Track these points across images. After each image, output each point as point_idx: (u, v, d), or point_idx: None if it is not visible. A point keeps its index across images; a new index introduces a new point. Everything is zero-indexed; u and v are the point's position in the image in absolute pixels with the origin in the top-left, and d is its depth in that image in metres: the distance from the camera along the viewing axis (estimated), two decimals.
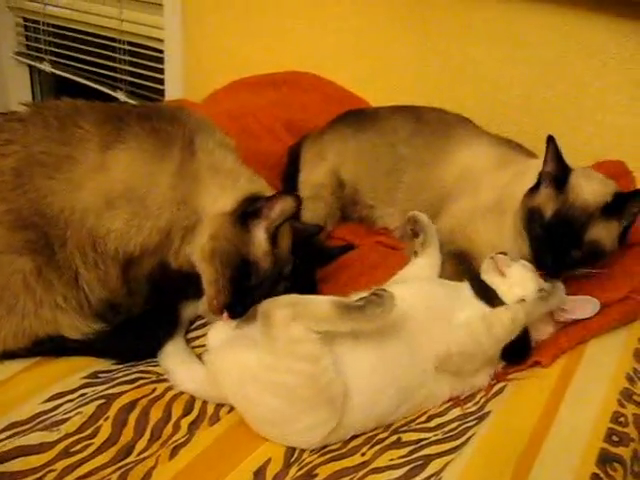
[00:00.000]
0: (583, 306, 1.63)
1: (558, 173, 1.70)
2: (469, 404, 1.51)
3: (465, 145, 2.01)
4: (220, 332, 1.51)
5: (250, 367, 1.34)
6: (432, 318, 1.48)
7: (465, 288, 1.59)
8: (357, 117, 2.25)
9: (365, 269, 1.89)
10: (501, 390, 1.54)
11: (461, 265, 1.79)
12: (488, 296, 1.56)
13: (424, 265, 1.70)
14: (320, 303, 1.29)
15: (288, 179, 2.23)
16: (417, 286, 1.58)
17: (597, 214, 1.67)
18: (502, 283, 1.58)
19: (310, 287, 1.71)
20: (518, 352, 1.57)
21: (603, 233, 1.68)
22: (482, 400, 1.52)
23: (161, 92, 3.29)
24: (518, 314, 1.48)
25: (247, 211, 1.53)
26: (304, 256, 1.69)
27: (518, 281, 1.58)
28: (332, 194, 2.12)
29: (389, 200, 2.07)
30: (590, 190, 1.70)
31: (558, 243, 1.67)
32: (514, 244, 1.77)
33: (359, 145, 2.15)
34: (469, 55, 2.51)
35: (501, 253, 1.63)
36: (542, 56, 2.39)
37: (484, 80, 2.50)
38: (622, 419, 1.46)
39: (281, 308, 1.29)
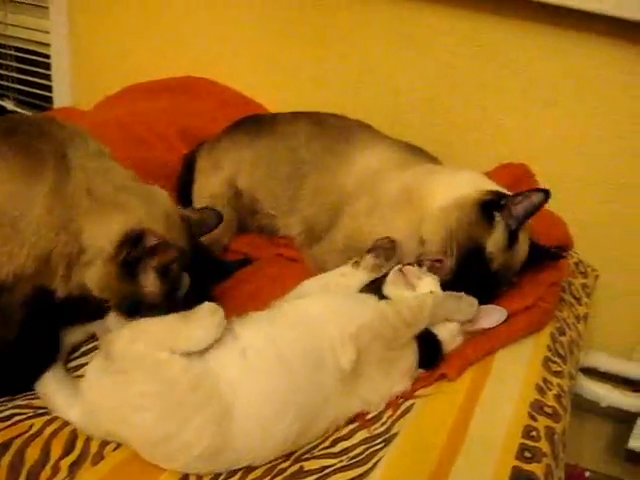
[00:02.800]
0: (489, 315, 1.58)
1: (518, 227, 1.64)
2: (376, 424, 1.42)
3: (365, 149, 1.94)
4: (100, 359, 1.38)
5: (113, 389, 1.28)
6: (337, 327, 1.40)
7: (371, 298, 1.53)
8: (254, 123, 2.15)
9: (265, 283, 1.79)
10: (409, 409, 1.45)
11: None
12: None
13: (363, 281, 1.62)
14: (159, 318, 1.32)
15: (183, 190, 2.10)
16: (324, 300, 1.52)
17: (517, 272, 1.70)
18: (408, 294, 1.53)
19: None
20: (429, 357, 1.51)
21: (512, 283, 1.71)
22: (389, 420, 1.43)
23: (50, 100, 3.11)
24: (426, 300, 1.47)
25: (128, 260, 1.40)
26: (199, 272, 1.58)
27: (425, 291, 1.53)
28: (228, 204, 2.00)
29: (290, 208, 1.98)
30: (524, 250, 1.69)
31: (485, 288, 1.61)
32: (413, 240, 1.70)
33: (256, 152, 2.05)
34: (369, 59, 2.46)
35: (409, 264, 1.58)
36: (444, 59, 2.37)
37: (385, 84, 2.45)
38: (534, 433, 1.40)
39: (120, 335, 1.30)
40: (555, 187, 2.18)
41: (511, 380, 1.54)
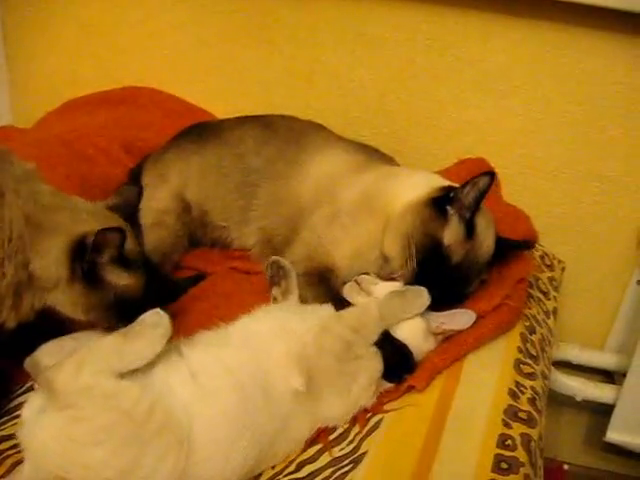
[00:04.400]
0: (458, 318, 1.52)
1: (472, 215, 1.59)
2: (342, 444, 1.34)
3: (318, 154, 1.86)
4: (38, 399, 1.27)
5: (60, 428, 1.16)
6: (285, 345, 1.34)
7: (325, 309, 1.48)
8: (199, 131, 2.05)
9: (220, 299, 1.70)
10: (377, 425, 1.38)
11: (321, 286, 1.64)
12: None
13: None
14: (98, 342, 1.24)
15: None
16: (272, 316, 1.44)
17: (485, 266, 1.64)
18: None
19: None
20: (399, 368, 1.44)
21: (479, 281, 1.65)
22: (357, 438, 1.35)
23: None
24: (369, 303, 1.44)
25: (85, 271, 1.35)
26: (149, 293, 1.50)
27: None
28: (177, 219, 1.90)
29: (243, 219, 1.89)
30: (489, 242, 1.64)
31: (447, 287, 1.55)
32: (376, 249, 1.65)
33: (203, 161, 1.95)
34: (317, 59, 2.36)
35: (364, 274, 1.55)
36: (394, 55, 2.29)
37: (336, 83, 2.37)
38: (509, 442, 1.34)
39: (61, 369, 1.18)
40: (516, 179, 2.18)
41: (482, 387, 1.48)
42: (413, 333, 1.47)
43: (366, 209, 1.70)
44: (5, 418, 1.37)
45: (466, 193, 1.58)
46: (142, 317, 1.27)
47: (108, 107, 2.39)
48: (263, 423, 1.24)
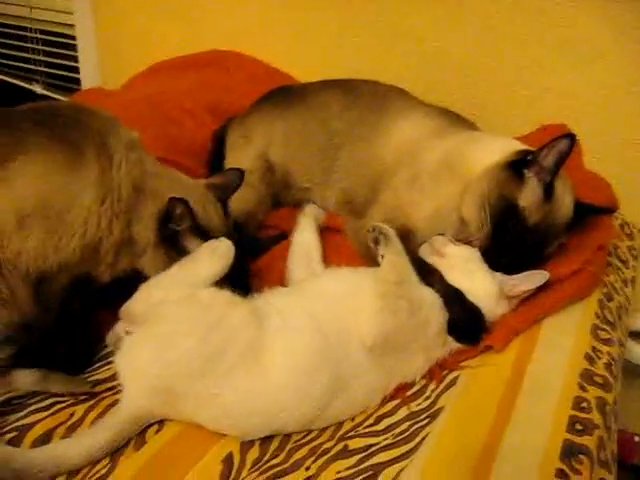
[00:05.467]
0: (529, 278, 1.53)
1: (552, 178, 1.58)
2: (419, 400, 1.39)
3: (401, 117, 1.88)
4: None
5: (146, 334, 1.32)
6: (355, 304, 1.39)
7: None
8: (284, 95, 2.10)
9: None
10: (454, 381, 1.42)
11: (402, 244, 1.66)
12: (430, 276, 1.48)
13: None
14: (160, 276, 1.42)
15: (214, 166, 2.06)
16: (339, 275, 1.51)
17: (563, 229, 1.63)
18: (441, 264, 1.53)
19: (243, 282, 1.55)
20: (470, 330, 1.47)
21: (557, 245, 1.64)
22: (433, 394, 1.39)
23: (78, 81, 3.08)
24: (388, 256, 1.42)
25: (169, 235, 1.48)
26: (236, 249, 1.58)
27: (458, 260, 1.53)
28: (262, 179, 1.97)
29: (325, 180, 1.93)
30: (567, 204, 1.62)
31: (524, 249, 1.57)
32: (455, 212, 1.66)
33: (287, 124, 2.00)
34: (399, 22, 2.38)
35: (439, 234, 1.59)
36: (478, 17, 2.29)
37: (417, 48, 2.38)
38: (584, 404, 1.36)
39: (136, 297, 1.39)
40: (598, 147, 2.15)
41: (559, 350, 1.49)
42: (486, 295, 1.50)
43: (446, 172, 1.71)
44: (99, 363, 1.46)
45: (544, 156, 1.57)
46: (202, 246, 1.44)
47: (194, 70, 2.46)
48: (340, 365, 1.31)
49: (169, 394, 1.27)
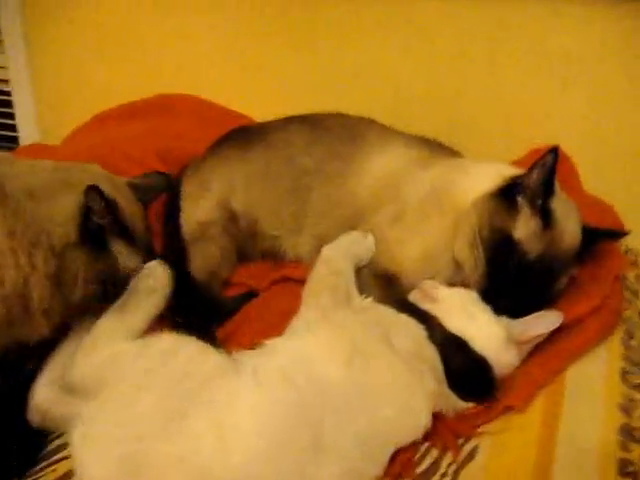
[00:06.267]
0: (541, 319, 1.33)
1: (545, 199, 1.40)
2: (434, 477, 1.15)
3: (377, 148, 1.70)
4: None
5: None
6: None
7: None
8: (242, 135, 1.90)
9: (275, 317, 1.49)
10: (473, 453, 1.19)
11: (389, 289, 1.48)
12: (426, 323, 1.30)
13: None
14: (98, 323, 1.25)
15: (170, 219, 1.82)
16: None
17: (572, 259, 1.44)
18: (437, 310, 1.35)
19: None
20: (477, 384, 1.27)
21: (567, 279, 1.45)
22: (450, 470, 1.16)
23: (16, 139, 2.87)
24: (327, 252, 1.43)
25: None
26: (198, 313, 1.46)
27: (455, 303, 1.36)
28: (224, 231, 1.74)
29: (296, 226, 1.72)
30: (573, 229, 1.44)
31: (528, 287, 1.37)
32: (447, 252, 1.47)
33: (248, 167, 1.79)
34: (363, 54, 2.21)
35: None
36: (448, 44, 2.13)
37: (382, 77, 2.21)
38: (631, 468, 1.13)
39: (75, 363, 1.20)
40: (591, 169, 1.96)
41: (589, 402, 1.28)
42: (492, 342, 1.30)
43: (434, 206, 1.53)
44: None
45: (533, 176, 1.39)
46: (134, 283, 1.29)
47: (141, 117, 2.25)
48: (321, 429, 1.10)
49: (132, 463, 1.06)
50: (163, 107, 2.30)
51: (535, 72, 2.06)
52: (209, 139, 1.97)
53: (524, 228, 1.39)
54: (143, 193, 1.52)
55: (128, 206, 1.41)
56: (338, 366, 1.17)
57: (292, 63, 2.30)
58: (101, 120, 2.33)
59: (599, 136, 2.06)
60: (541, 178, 1.39)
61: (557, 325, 1.31)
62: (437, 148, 1.72)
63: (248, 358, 1.21)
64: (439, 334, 1.29)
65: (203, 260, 1.68)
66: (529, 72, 2.06)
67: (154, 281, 1.31)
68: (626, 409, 1.26)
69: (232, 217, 1.77)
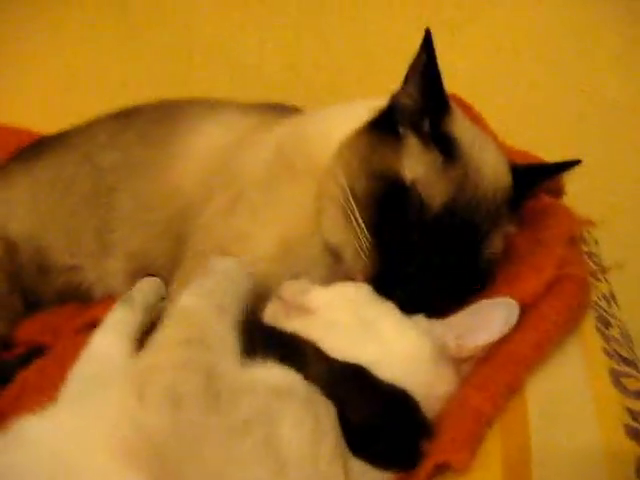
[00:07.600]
0: (489, 318, 0.82)
1: (436, 117, 0.97)
2: None
3: (201, 121, 1.27)
4: None
5: None
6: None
7: None
8: (37, 145, 1.46)
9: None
10: None
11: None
12: (296, 356, 0.77)
13: None
14: None
15: None
16: None
17: (503, 209, 0.98)
18: (312, 328, 0.82)
19: None
20: (394, 437, 0.74)
21: (500, 240, 0.98)
22: None
23: None
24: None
25: None
26: None
27: (340, 311, 0.85)
28: None
29: (100, 246, 1.27)
30: (492, 162, 0.99)
31: (439, 257, 0.90)
32: (314, 234, 1.00)
33: (34, 179, 1.33)
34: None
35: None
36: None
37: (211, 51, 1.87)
38: None
39: None
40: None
41: (571, 433, 0.75)
42: (411, 365, 0.80)
43: (284, 173, 1.07)
44: None
45: (409, 89, 0.98)
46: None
47: None
48: None
49: None
50: None
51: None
52: None
53: (416, 165, 0.92)
54: None
55: None
56: None
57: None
58: None
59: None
60: (419, 87, 0.96)
61: (514, 319, 0.81)
62: (281, 108, 1.30)
63: None
64: (322, 370, 0.75)
65: None
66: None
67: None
68: (636, 433, 0.74)
69: (10, 250, 1.29)
